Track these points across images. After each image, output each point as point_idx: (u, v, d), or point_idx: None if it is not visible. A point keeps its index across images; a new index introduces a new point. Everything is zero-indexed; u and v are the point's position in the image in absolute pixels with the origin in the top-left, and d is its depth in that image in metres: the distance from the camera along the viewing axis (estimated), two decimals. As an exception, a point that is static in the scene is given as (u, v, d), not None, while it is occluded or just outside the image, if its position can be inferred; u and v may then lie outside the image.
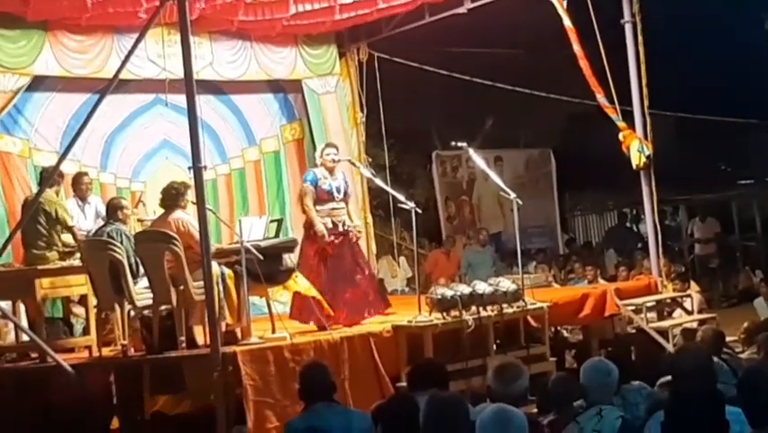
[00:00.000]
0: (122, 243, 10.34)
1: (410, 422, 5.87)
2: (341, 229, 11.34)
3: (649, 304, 12.96)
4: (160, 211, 10.64)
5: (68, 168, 12.57)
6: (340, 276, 11.29)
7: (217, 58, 14.43)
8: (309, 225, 11.36)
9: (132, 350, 10.30)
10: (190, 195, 10.20)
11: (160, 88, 12.99)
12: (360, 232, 12.05)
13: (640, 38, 13.35)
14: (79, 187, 12.22)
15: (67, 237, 11.33)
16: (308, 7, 13.85)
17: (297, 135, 15.64)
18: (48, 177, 11.08)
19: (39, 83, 13.12)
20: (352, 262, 11.47)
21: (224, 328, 9.77)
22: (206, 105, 13.68)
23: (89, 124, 10.22)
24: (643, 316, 12.72)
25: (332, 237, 11.24)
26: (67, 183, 12.25)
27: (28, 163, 12.96)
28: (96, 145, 13.62)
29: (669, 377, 7.06)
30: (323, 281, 11.16)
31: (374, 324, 11.15)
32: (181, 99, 9.74)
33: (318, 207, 11.25)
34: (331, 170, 11.42)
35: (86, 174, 12.55)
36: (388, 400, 6.42)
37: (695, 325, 12.65)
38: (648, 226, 13.99)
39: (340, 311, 11.12)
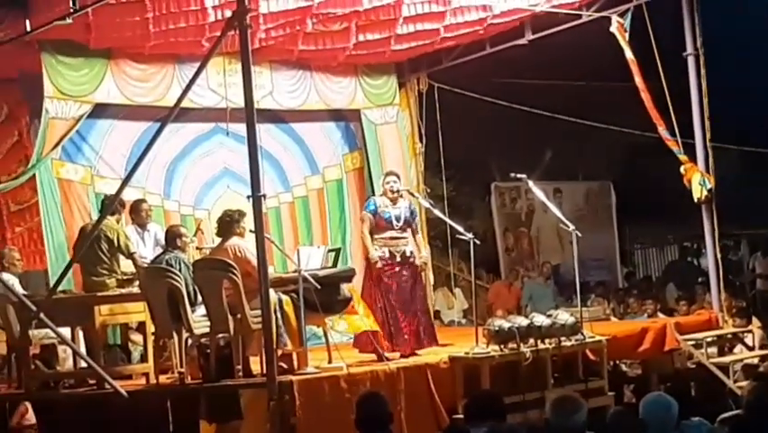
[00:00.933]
0: (180, 271, 10.36)
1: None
2: (398, 259, 11.31)
3: (709, 339, 12.83)
4: (218, 240, 10.68)
5: (132, 195, 12.71)
6: (398, 307, 11.26)
7: (277, 87, 14.49)
8: (366, 254, 11.38)
9: (189, 378, 10.31)
10: (247, 222, 10.21)
11: (220, 117, 13.10)
12: (425, 264, 12.00)
13: (702, 70, 13.27)
14: (139, 214, 12.27)
15: (126, 264, 11.39)
16: (369, 37, 13.89)
17: (359, 164, 15.68)
18: (110, 204, 11.12)
19: (102, 110, 13.24)
20: (410, 294, 11.42)
21: (279, 353, 9.75)
22: (267, 133, 13.78)
23: (152, 151, 10.27)
24: (703, 351, 12.60)
25: (387, 266, 11.22)
26: (126, 210, 12.32)
27: (89, 190, 13.06)
28: (158, 173, 13.76)
29: (730, 413, 6.96)
30: (379, 311, 11.14)
31: (431, 355, 11.10)
32: (241, 128, 9.78)
33: (376, 236, 11.26)
34: (393, 200, 11.41)
35: (144, 201, 12.61)
36: (444, 431, 6.38)
37: (756, 360, 12.49)
38: (709, 261, 13.84)
39: (394, 343, 11.10)
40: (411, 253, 11.40)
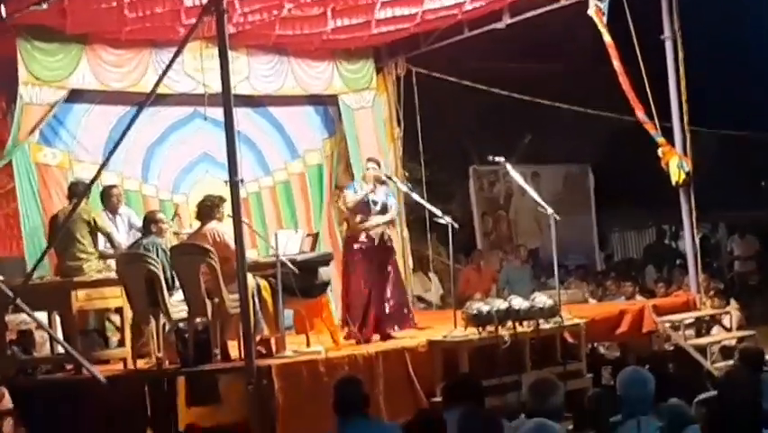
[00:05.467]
0: (157, 255, 10.35)
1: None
2: (376, 242, 11.34)
3: (687, 321, 12.86)
4: (197, 224, 10.65)
5: (110, 179, 12.69)
6: (370, 287, 11.28)
7: (254, 72, 14.42)
8: (348, 239, 11.36)
9: (167, 363, 10.30)
10: (226, 208, 10.20)
11: (198, 102, 13.05)
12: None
13: (681, 54, 13.28)
14: (110, 200, 12.19)
15: (104, 249, 11.38)
16: (347, 22, 13.85)
17: (337, 150, 15.65)
18: (84, 189, 11.06)
19: (78, 95, 13.19)
20: (386, 277, 11.45)
21: (258, 338, 9.76)
22: (246, 118, 13.74)
23: (130, 136, 10.24)
24: (681, 333, 12.63)
25: (365, 249, 11.28)
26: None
27: (68, 174, 12.99)
28: (136, 157, 13.72)
29: (707, 394, 6.99)
30: (352, 292, 11.17)
31: (409, 339, 11.11)
32: (219, 113, 9.74)
33: (352, 221, 11.32)
34: (373, 185, 11.44)
35: (115, 186, 12.53)
36: (416, 416, 6.38)
37: (734, 342, 12.54)
38: (687, 243, 13.90)
39: (366, 324, 11.13)
40: (388, 237, 11.45)
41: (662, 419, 6.74)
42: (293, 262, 10.16)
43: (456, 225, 11.65)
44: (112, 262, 11.23)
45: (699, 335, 13.00)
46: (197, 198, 11.38)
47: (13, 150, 12.49)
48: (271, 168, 15.05)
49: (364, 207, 11.34)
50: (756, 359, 9.24)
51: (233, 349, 10.14)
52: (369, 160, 11.95)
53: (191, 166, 14.25)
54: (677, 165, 13.07)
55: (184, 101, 13.82)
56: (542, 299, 11.29)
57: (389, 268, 11.57)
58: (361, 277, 11.31)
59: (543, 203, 12.18)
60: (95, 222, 11.24)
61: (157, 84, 10.09)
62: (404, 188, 12.98)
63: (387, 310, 11.41)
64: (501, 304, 11.07)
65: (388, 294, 11.47)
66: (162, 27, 12.78)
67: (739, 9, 19.31)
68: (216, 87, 9.93)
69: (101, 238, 11.41)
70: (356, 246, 11.35)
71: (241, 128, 9.91)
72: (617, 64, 13.20)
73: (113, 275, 10.97)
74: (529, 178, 18.58)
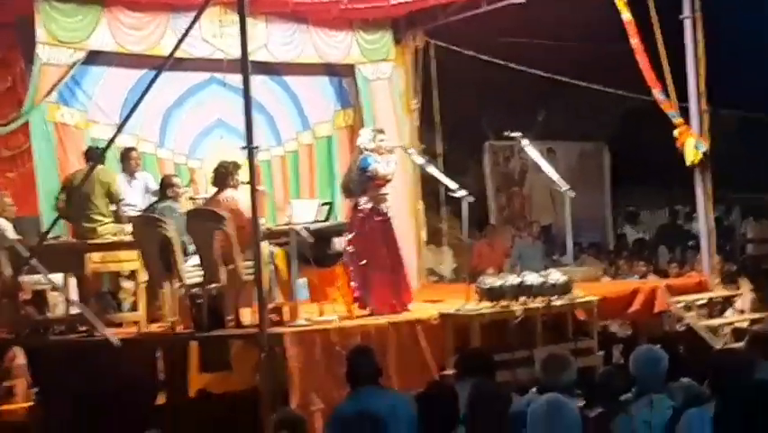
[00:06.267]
0: (173, 220, 10.37)
1: (449, 410, 5.87)
2: (383, 211, 11.26)
3: (700, 302, 12.84)
4: (212, 190, 10.66)
5: (127, 142, 12.72)
6: (377, 259, 11.20)
7: (272, 39, 14.34)
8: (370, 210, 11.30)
9: (181, 327, 10.34)
10: (242, 174, 10.20)
11: (215, 67, 13.10)
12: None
13: (699, 34, 13.22)
14: (128, 162, 12.26)
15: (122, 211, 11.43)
16: (365, -8, 13.83)
17: (350, 122, 15.57)
18: (101, 152, 11.08)
19: (96, 57, 13.15)
20: (389, 249, 11.37)
21: (271, 305, 9.77)
22: (262, 86, 13.76)
23: (146, 99, 10.23)
24: (693, 313, 12.62)
25: (374, 220, 11.19)
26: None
27: (85, 135, 13.01)
28: (153, 121, 13.68)
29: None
30: (358, 264, 11.10)
31: (421, 311, 11.12)
32: (236, 79, 9.72)
33: (369, 193, 11.19)
34: (384, 156, 11.37)
35: (134, 149, 12.59)
36: (427, 388, 6.42)
37: (746, 324, 12.52)
38: (701, 225, 13.83)
39: (372, 295, 11.08)
40: (389, 207, 11.39)
41: (675, 398, 6.76)
42: (307, 230, 10.17)
43: (471, 199, 11.60)
44: (127, 227, 11.24)
45: (711, 316, 12.98)
46: (212, 163, 11.39)
47: (30, 110, 12.49)
48: (283, 137, 15.00)
49: (382, 180, 11.29)
50: (766, 342, 9.24)
51: (247, 316, 10.16)
52: (380, 131, 11.78)
53: (207, 131, 14.23)
54: (693, 145, 13.03)
55: (201, 66, 13.81)
56: (555, 276, 11.27)
57: (393, 237, 11.55)
58: (384, 246, 11.25)
59: (558, 179, 12.16)
60: (110, 187, 11.27)
61: (175, 48, 10.05)
62: (420, 161, 12.95)
63: (406, 280, 11.40)
64: (514, 279, 11.09)
65: (397, 265, 11.45)
66: (182, -9, 12.76)
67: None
68: (234, 53, 9.91)
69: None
70: (377, 218, 11.25)
71: (256, 95, 9.89)
72: (635, 42, 13.14)
73: (127, 238, 10.99)
74: (545, 154, 18.52)
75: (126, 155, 12.30)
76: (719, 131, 14.16)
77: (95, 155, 11.28)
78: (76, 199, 11.00)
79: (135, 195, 12.09)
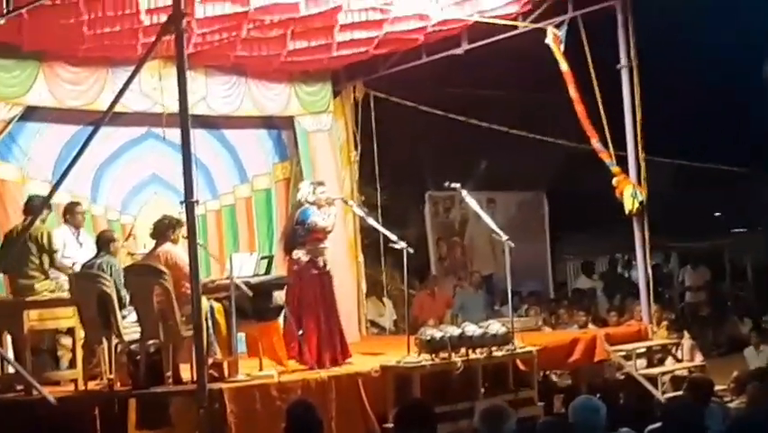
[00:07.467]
0: (111, 275, 10.28)
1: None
2: (320, 265, 11.28)
3: (639, 351, 12.92)
4: (151, 244, 10.59)
5: (59, 198, 12.52)
6: (312, 313, 11.19)
7: (211, 92, 14.36)
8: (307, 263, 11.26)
9: (119, 384, 10.22)
10: (182, 230, 10.14)
11: (151, 122, 13.03)
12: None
13: (636, 84, 13.37)
14: (74, 216, 12.06)
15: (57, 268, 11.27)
16: (305, 44, 13.83)
17: (287, 175, 15.57)
18: (39, 206, 10.96)
19: (32, 112, 13.09)
20: (326, 302, 11.36)
21: (210, 361, 9.69)
22: (200, 139, 13.66)
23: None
24: (632, 362, 12.69)
25: (312, 273, 11.18)
26: (59, 212, 12.17)
27: (23, 191, 12.87)
28: (86, 177, 13.52)
29: (658, 424, 7.03)
30: (296, 316, 11.05)
31: (362, 364, 11.08)
32: (174, 133, 9.68)
33: (308, 246, 11.18)
34: (324, 209, 11.35)
35: (79, 204, 12.46)
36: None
37: (685, 372, 12.60)
38: (640, 273, 13.94)
39: (307, 350, 11.01)
40: (326, 261, 11.39)
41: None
42: (247, 284, 10.12)
43: (411, 250, 11.62)
44: (64, 283, 11.11)
45: (650, 365, 13.06)
46: (145, 218, 11.31)
47: (-34, 166, 12.39)
48: (219, 191, 14.92)
49: (321, 233, 11.29)
50: (705, 390, 9.31)
51: (186, 372, 10.07)
52: (320, 183, 11.79)
53: (140, 186, 14.13)
54: (631, 194, 13.15)
55: (138, 120, 13.75)
56: (495, 327, 11.32)
57: (331, 291, 11.53)
58: (320, 300, 11.23)
59: (497, 229, 12.20)
60: (45, 241, 11.10)
61: (114, 102, 9.99)
62: (360, 213, 12.96)
63: (342, 335, 11.38)
64: (454, 330, 11.10)
65: (336, 319, 11.44)
66: (120, 45, 12.68)
67: (697, 40, 19.47)
68: (172, 106, 9.87)
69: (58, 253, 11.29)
70: (314, 271, 11.24)
71: (193, 149, 9.83)
72: (573, 92, 13.29)
73: (65, 295, 10.87)
74: (485, 204, 18.60)
75: (72, 209, 12.08)
76: (656, 180, 14.31)
77: (34, 208, 11.14)
78: (14, 254, 10.86)
79: (81, 249, 11.91)
